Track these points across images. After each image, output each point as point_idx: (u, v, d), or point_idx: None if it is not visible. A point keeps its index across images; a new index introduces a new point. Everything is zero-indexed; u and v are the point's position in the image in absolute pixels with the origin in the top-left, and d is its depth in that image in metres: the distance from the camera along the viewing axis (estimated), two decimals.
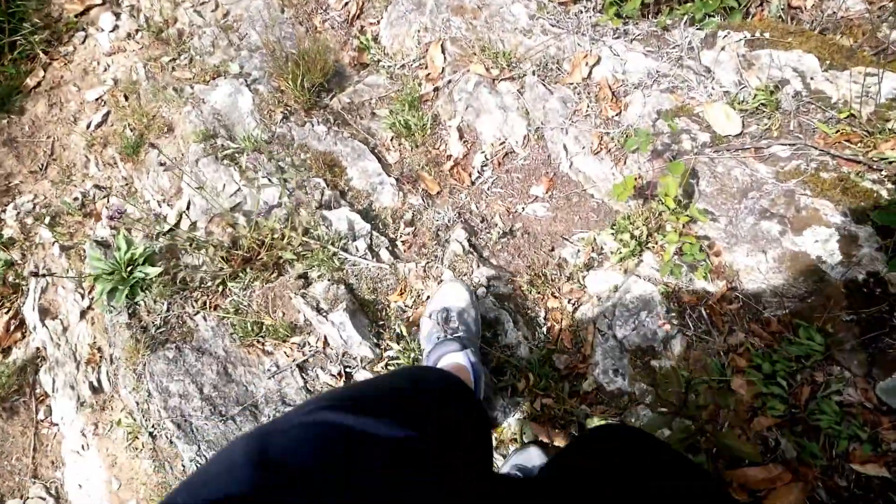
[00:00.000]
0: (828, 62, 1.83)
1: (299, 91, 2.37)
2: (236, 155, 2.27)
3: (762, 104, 1.80)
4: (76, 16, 2.96)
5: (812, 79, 1.80)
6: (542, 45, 2.18)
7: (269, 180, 2.15)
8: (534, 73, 2.15)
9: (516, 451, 1.60)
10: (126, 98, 2.72)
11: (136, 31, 2.87)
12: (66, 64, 2.88)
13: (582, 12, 2.27)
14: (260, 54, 2.63)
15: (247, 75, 2.55)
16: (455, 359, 1.49)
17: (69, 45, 2.93)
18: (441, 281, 1.82)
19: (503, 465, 1.59)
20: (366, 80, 2.51)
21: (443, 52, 2.38)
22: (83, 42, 2.92)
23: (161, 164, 2.28)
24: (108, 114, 2.71)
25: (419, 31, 2.47)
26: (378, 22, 2.70)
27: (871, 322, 1.50)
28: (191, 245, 2.02)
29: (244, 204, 2.17)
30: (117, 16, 2.92)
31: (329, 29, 2.76)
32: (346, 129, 2.33)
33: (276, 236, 2.01)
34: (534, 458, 1.54)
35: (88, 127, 2.72)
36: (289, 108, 2.39)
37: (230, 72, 2.60)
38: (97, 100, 2.78)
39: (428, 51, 2.41)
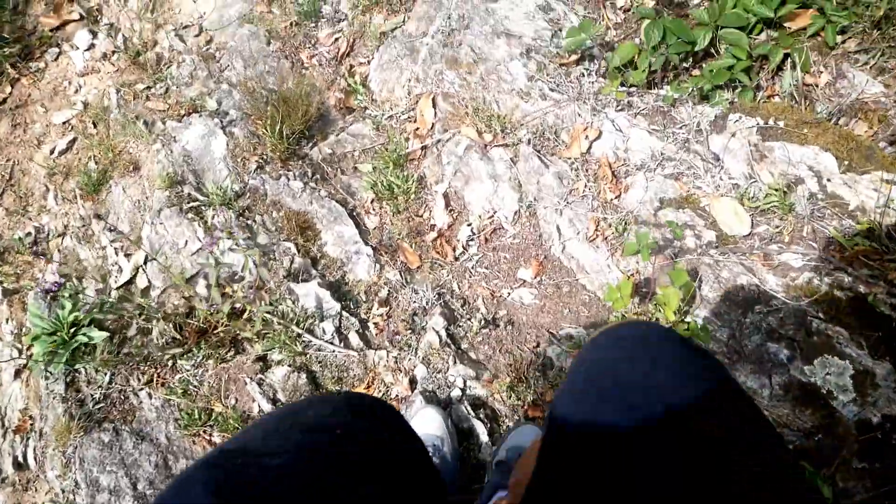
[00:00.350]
0: (846, 162, 1.67)
1: (277, 139, 2.19)
2: (203, 208, 2.09)
3: (774, 206, 1.64)
4: (51, 30, 2.78)
5: (829, 181, 1.64)
6: (540, 111, 2.02)
7: (235, 243, 1.98)
8: (529, 141, 1.98)
9: (510, 430, 1.52)
10: (95, 125, 2.53)
11: (113, 52, 2.68)
12: (35, 81, 2.69)
13: (584, 76, 2.11)
14: (240, 91, 2.45)
15: (223, 114, 2.37)
16: None
17: (41, 60, 2.74)
18: (412, 399, 1.64)
19: (499, 448, 1.49)
20: (350, 128, 2.34)
21: (434, 106, 2.21)
22: (56, 59, 2.74)
23: (110, 230, 2.10)
24: (74, 141, 2.53)
25: (410, 80, 2.30)
26: (368, 62, 2.53)
27: (885, 475, 1.34)
28: (140, 314, 1.84)
29: (206, 266, 1.99)
30: (94, 34, 2.73)
31: (316, 66, 2.59)
32: (323, 187, 2.16)
33: (237, 307, 1.84)
34: (529, 437, 1.46)
35: (52, 153, 2.54)
36: (264, 158, 2.22)
37: (207, 108, 2.42)
38: (64, 123, 2.59)
39: (418, 103, 2.24)
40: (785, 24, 2.14)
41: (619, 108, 1.97)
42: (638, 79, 2.00)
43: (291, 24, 2.65)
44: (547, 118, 2.01)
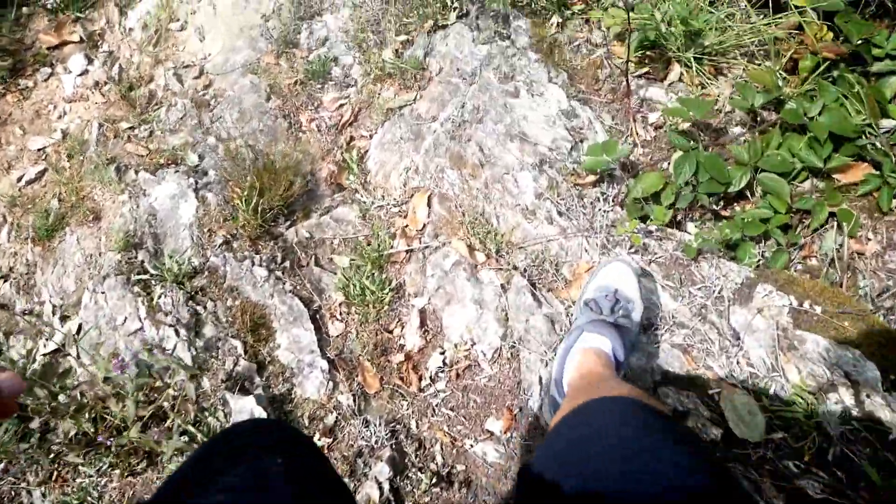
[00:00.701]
0: (892, 377, 1.39)
1: (251, 214, 1.97)
2: (152, 282, 1.86)
3: (797, 418, 1.37)
4: (49, 48, 2.60)
5: (868, 396, 1.37)
6: (544, 237, 1.77)
7: (177, 332, 1.74)
8: (525, 271, 1.74)
9: (598, 267, 1.60)
10: (70, 158, 2.33)
11: (106, 81, 2.50)
12: (19, 100, 2.51)
13: (599, 201, 1.86)
14: (225, 149, 2.24)
15: (201, 173, 2.15)
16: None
17: (31, 79, 2.56)
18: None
19: (586, 286, 1.58)
20: (336, 210, 2.11)
21: (428, 205, 1.97)
22: (46, 80, 2.56)
23: (25, 312, 1.88)
24: (44, 172, 2.33)
25: (409, 169, 2.07)
26: (370, 137, 2.31)
27: None
28: (53, 399, 1.60)
29: (140, 352, 1.75)
30: (90, 60, 2.55)
31: (315, 131, 2.37)
32: (290, 278, 1.92)
33: (160, 409, 1.59)
34: (616, 272, 1.56)
35: (20, 180, 2.34)
36: (233, 233, 1.99)
37: (186, 162, 2.21)
38: (39, 150, 2.40)
39: (413, 199, 2.01)
40: (834, 176, 1.90)
41: (633, 250, 1.72)
42: (660, 218, 1.75)
43: (297, 81, 2.44)
44: (550, 246, 1.77)
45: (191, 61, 2.55)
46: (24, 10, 2.66)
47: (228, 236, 1.97)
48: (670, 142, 1.87)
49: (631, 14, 2.24)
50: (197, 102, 2.40)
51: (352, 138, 2.34)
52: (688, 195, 1.83)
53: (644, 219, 1.83)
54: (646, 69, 2.28)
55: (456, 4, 2.44)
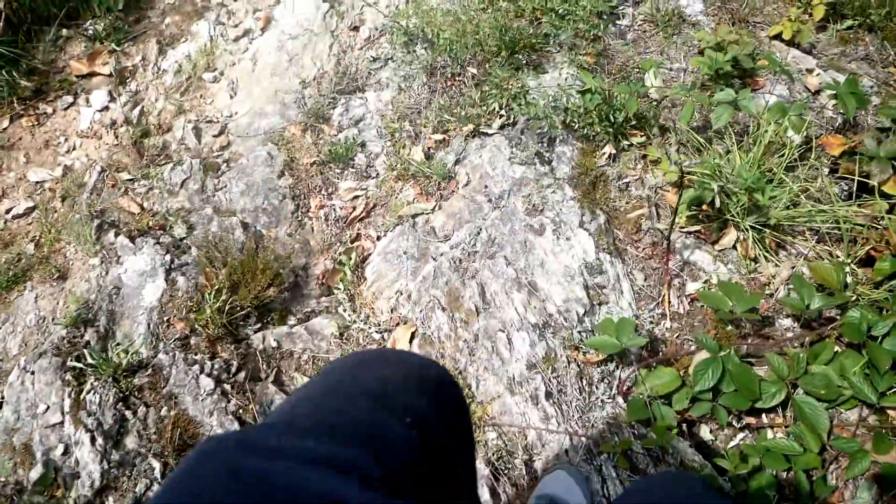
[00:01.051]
0: None
1: (216, 313, 1.76)
2: (87, 373, 1.66)
3: None
4: (78, 76, 2.51)
5: None
6: (523, 423, 1.50)
7: (93, 438, 1.53)
8: (490, 462, 1.46)
9: (543, 475, 1.43)
10: (62, 200, 2.20)
11: (123, 123, 2.37)
12: (34, 125, 2.41)
13: (600, 384, 1.58)
14: (219, 223, 2.06)
15: (181, 250, 1.97)
16: None
17: (51, 104, 2.47)
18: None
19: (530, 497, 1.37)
20: (313, 321, 1.88)
21: (410, 342, 1.73)
22: (66, 109, 2.46)
23: None
24: (33, 209, 2.20)
25: (401, 294, 1.84)
26: (377, 239, 2.09)
27: None
28: None
29: (53, 448, 1.55)
30: (113, 97, 2.44)
31: (322, 219, 2.17)
32: (237, 397, 1.69)
33: None
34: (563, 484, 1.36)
35: (8, 212, 2.21)
36: (193, 329, 1.78)
37: (173, 232, 2.04)
38: (37, 184, 2.28)
39: (396, 330, 1.77)
40: (889, 412, 1.56)
41: (627, 471, 1.42)
42: (662, 438, 1.45)
43: (316, 162, 2.26)
44: (527, 434, 1.49)
45: (215, 117, 2.41)
46: (64, 32, 2.58)
47: (187, 331, 1.77)
48: (696, 341, 1.57)
49: (691, 165, 1.97)
50: (206, 164, 2.24)
51: (358, 236, 2.13)
52: (705, 405, 1.53)
53: (647, 423, 1.53)
54: (697, 227, 2.00)
55: (503, 113, 2.22)
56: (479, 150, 2.13)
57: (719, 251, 1.97)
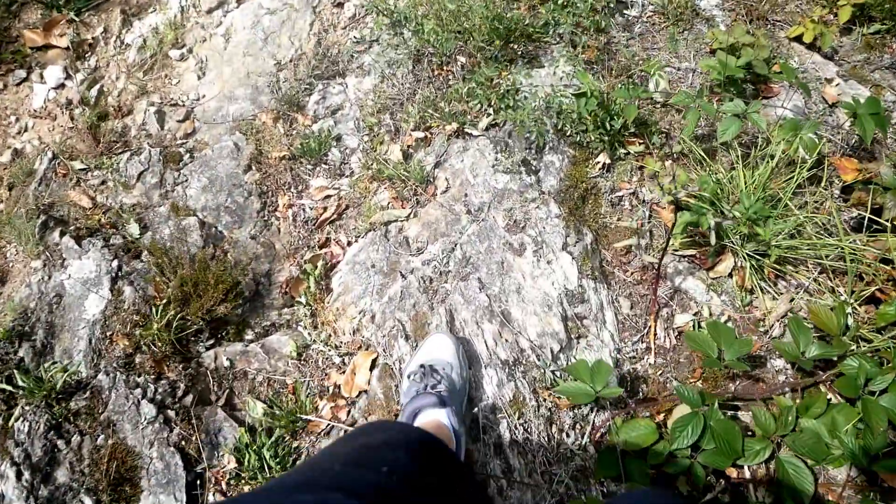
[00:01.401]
0: None
1: (163, 330, 1.62)
2: (17, 396, 1.53)
3: None
4: (32, 48, 2.31)
5: None
6: (485, 474, 1.37)
7: (19, 473, 1.41)
8: None
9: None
10: (10, 190, 2.04)
11: (80, 102, 2.19)
12: None
13: (571, 432, 1.45)
14: (176, 223, 1.91)
15: (132, 255, 1.82)
16: (434, 415, 1.29)
17: (2, 79, 2.27)
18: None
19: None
20: (271, 337, 1.75)
21: (370, 371, 1.59)
22: (18, 84, 2.27)
23: None
24: None
25: (364, 314, 1.70)
26: (347, 245, 1.94)
27: None
28: None
29: None
30: (69, 74, 2.25)
31: (290, 220, 2.01)
32: (182, 424, 1.56)
33: None
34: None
35: None
36: (138, 346, 1.65)
37: (126, 231, 1.89)
38: None
39: (357, 355, 1.63)
40: (882, 478, 1.44)
41: None
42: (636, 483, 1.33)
43: (285, 157, 2.09)
44: (488, 485, 1.36)
45: (180, 100, 2.22)
46: None
47: (131, 349, 1.63)
48: (678, 393, 1.43)
49: (689, 187, 1.81)
50: (167, 155, 2.07)
51: (327, 240, 1.97)
52: (682, 462, 1.41)
53: (617, 479, 1.41)
54: (691, 251, 1.85)
55: (490, 112, 2.03)
56: (462, 153, 1.96)
57: (714, 279, 1.82)
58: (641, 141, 2.05)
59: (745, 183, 1.88)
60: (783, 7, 2.34)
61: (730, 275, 1.83)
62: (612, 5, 2.33)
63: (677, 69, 2.26)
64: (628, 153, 2.03)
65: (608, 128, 1.95)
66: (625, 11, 2.42)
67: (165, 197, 1.99)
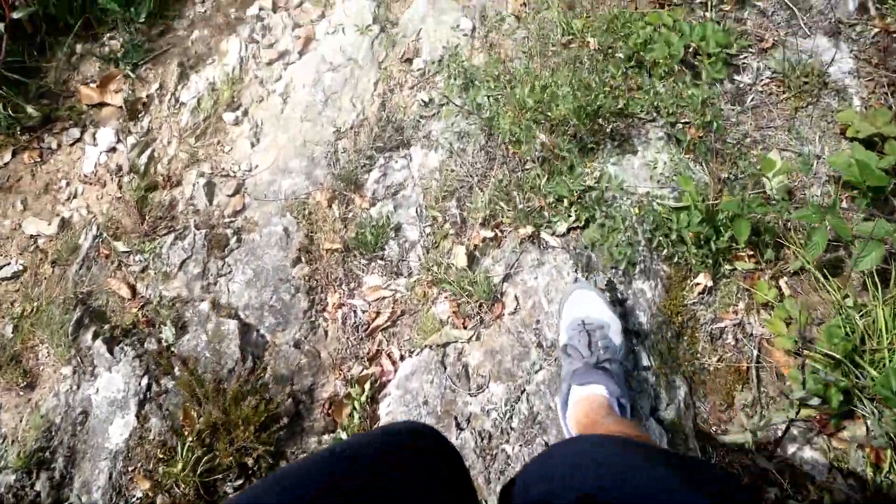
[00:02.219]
0: None
1: (188, 472, 1.46)
2: None
3: None
4: (88, 105, 2.19)
5: None
6: None
7: None
8: None
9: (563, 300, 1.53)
10: (53, 266, 1.93)
11: (129, 170, 2.05)
12: (36, 163, 2.12)
13: None
14: (215, 328, 1.74)
15: (165, 368, 1.66)
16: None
17: (57, 137, 2.16)
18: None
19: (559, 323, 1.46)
20: None
21: None
22: (72, 145, 2.15)
23: None
24: (22, 272, 1.94)
25: None
26: (399, 361, 1.72)
27: None
28: None
29: None
30: (122, 136, 2.11)
31: (338, 322, 1.81)
32: None
33: None
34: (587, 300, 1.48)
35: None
36: (161, 486, 1.49)
37: (162, 335, 1.73)
38: (31, 238, 2.01)
39: None
40: None
41: None
42: None
43: (338, 249, 1.87)
44: None
45: (231, 170, 2.04)
46: (79, 48, 2.25)
47: (152, 492, 1.48)
48: None
49: (810, 320, 1.48)
50: (213, 238, 1.90)
51: (378, 352, 1.76)
52: None
53: None
54: (810, 411, 1.52)
55: (573, 214, 1.74)
56: (535, 268, 1.68)
57: (838, 450, 1.49)
58: (752, 255, 1.72)
59: (887, 328, 1.52)
60: None
61: (859, 446, 1.49)
62: (718, 84, 1.96)
63: (797, 153, 1.89)
64: (734, 269, 1.70)
65: (713, 248, 1.62)
66: (735, 77, 2.04)
67: (207, 290, 1.82)
